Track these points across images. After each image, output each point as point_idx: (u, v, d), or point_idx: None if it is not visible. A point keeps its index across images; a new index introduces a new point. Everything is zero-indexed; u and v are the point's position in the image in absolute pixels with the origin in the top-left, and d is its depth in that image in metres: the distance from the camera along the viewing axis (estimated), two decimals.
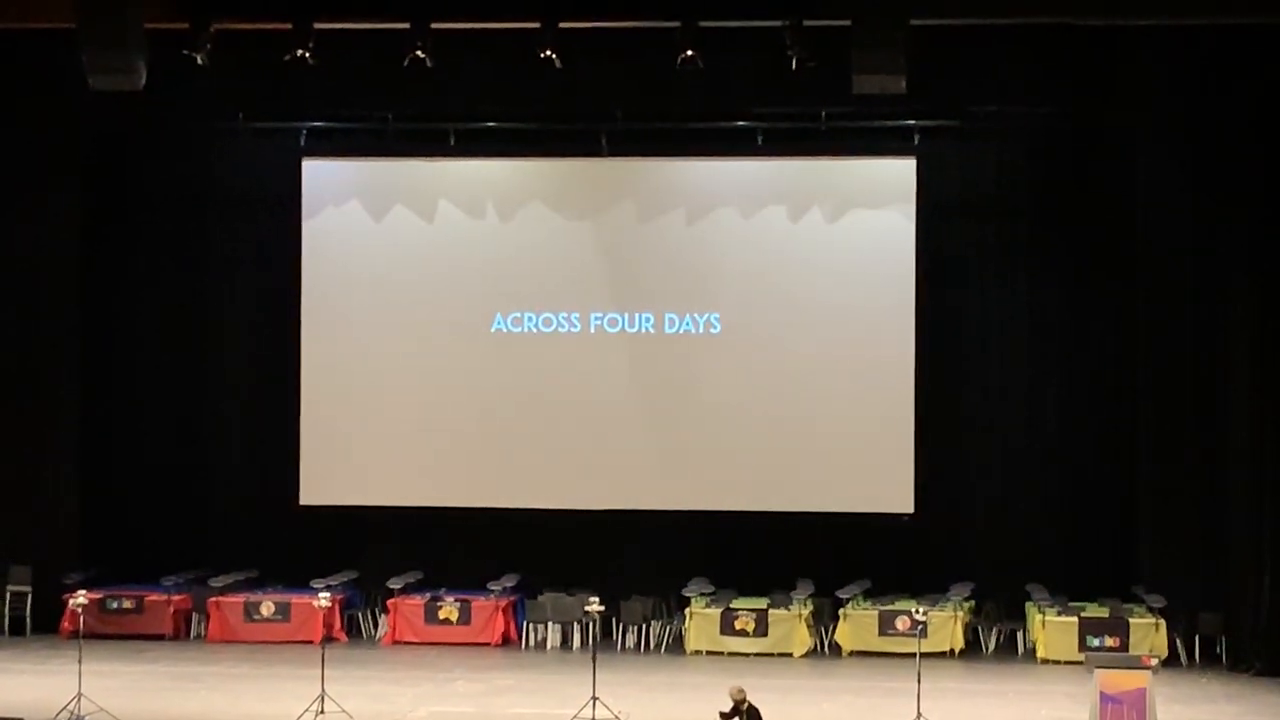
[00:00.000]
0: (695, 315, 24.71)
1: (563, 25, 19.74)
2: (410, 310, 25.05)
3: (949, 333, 24.44)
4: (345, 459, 25.02)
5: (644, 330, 24.79)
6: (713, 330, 24.68)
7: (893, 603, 23.32)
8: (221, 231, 25.50)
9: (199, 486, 25.54)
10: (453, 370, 25.08)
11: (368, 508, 24.88)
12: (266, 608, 23.95)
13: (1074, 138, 24.21)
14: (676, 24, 19.68)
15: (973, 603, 23.75)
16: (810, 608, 23.49)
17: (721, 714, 16.93)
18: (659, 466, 24.66)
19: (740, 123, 24.07)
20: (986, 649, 23.60)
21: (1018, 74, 23.00)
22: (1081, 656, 20.97)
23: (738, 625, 23.24)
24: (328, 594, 21.19)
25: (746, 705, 16.79)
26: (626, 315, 24.81)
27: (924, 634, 18.90)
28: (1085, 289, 24.43)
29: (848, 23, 18.38)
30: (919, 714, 17.78)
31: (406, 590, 24.29)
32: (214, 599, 24.12)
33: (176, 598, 24.39)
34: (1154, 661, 17.73)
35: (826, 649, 23.54)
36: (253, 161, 25.22)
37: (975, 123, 23.79)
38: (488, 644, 23.70)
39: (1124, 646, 22.22)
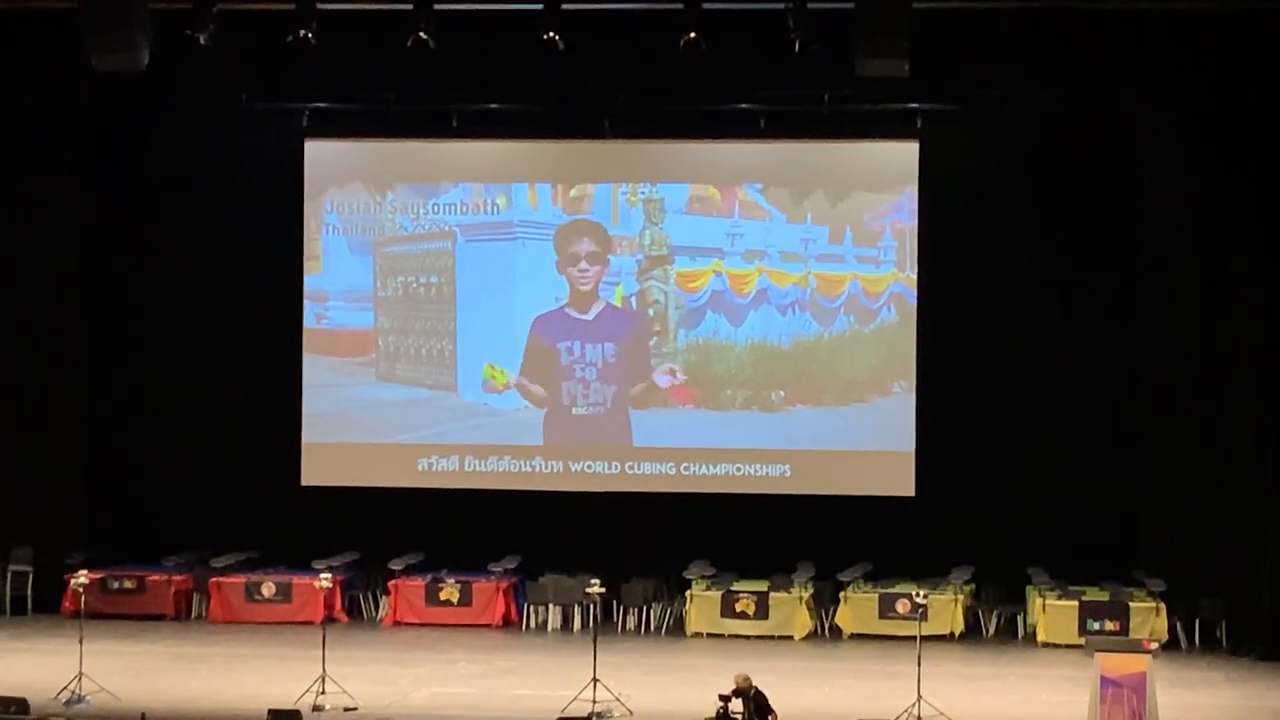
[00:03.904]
0: (693, 297, 24.72)
1: (566, 7, 19.75)
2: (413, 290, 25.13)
3: (951, 316, 24.41)
4: (347, 439, 25.02)
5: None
6: (714, 311, 24.72)
7: (893, 585, 23.34)
8: (224, 212, 25.44)
9: (201, 466, 25.52)
10: (455, 349, 25.16)
11: (369, 488, 24.88)
12: (267, 588, 23.97)
13: (1077, 121, 24.13)
14: (680, 6, 19.69)
15: (973, 586, 23.77)
16: (811, 590, 23.52)
17: (720, 696, 16.95)
18: (660, 448, 24.67)
19: (743, 105, 24.04)
20: (987, 632, 23.62)
21: (1021, 57, 22.98)
22: (1081, 640, 21.01)
23: (738, 608, 23.27)
24: (329, 575, 21.22)
25: (753, 691, 16.82)
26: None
27: (924, 617, 18.92)
28: (1088, 273, 24.39)
29: (851, 6, 18.38)
30: (919, 697, 17.80)
31: (408, 571, 24.31)
32: (215, 579, 24.15)
33: (178, 578, 24.42)
34: (1154, 645, 17.77)
35: (827, 631, 23.56)
36: (255, 142, 25.13)
37: (978, 106, 23.75)
38: (488, 625, 23.73)
39: (1124, 630, 22.24)
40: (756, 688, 16.85)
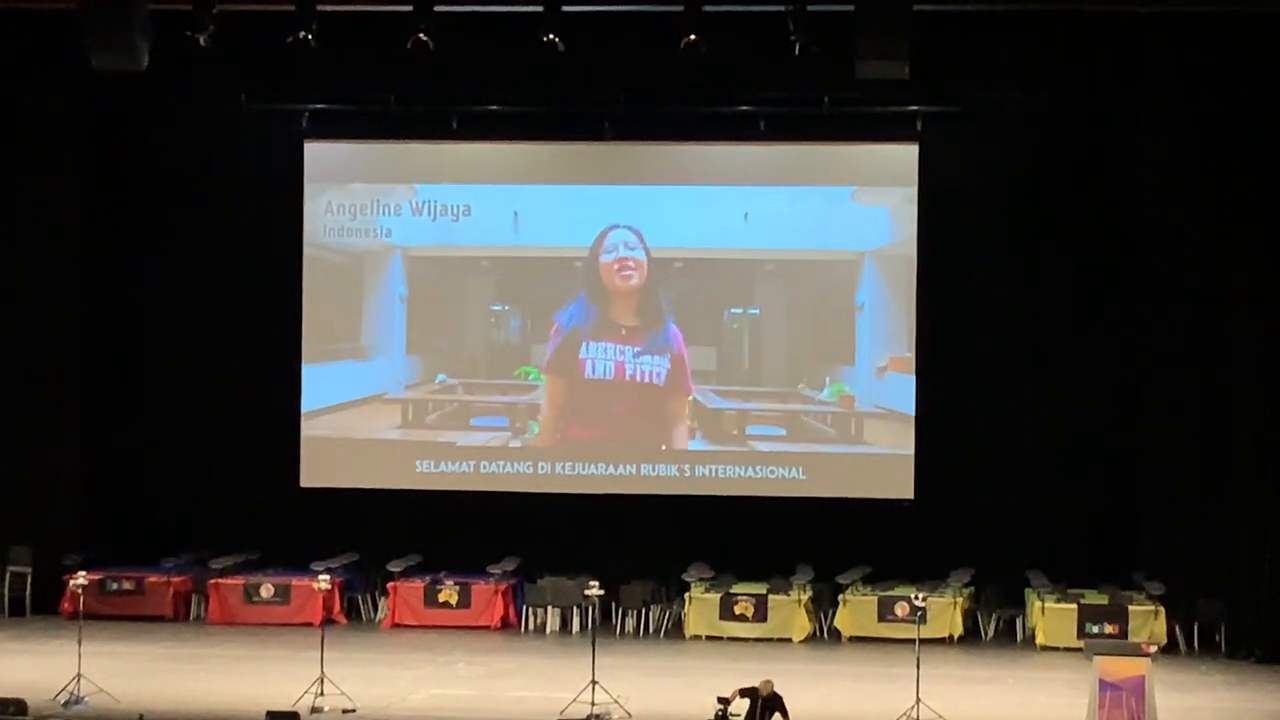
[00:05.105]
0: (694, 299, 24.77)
1: (566, 8, 19.73)
2: (412, 291, 25.11)
3: (950, 318, 24.40)
4: (346, 441, 25.01)
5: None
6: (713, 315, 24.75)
7: (892, 588, 23.33)
8: (223, 213, 25.42)
9: (200, 467, 25.51)
10: (452, 350, 25.14)
11: (368, 490, 24.87)
12: (266, 590, 23.96)
13: (1077, 124, 24.15)
14: (680, 8, 19.68)
15: (972, 589, 23.77)
16: (810, 593, 23.51)
17: (720, 699, 16.94)
18: (660, 451, 24.67)
19: (743, 107, 24.03)
20: (985, 635, 23.62)
21: (1021, 60, 22.97)
22: (1080, 643, 20.94)
23: (737, 610, 23.26)
24: (327, 576, 21.20)
25: (766, 695, 16.83)
26: None
27: (923, 620, 18.92)
28: (1088, 275, 24.41)
29: (851, 8, 18.38)
30: (918, 700, 17.80)
31: (406, 573, 24.30)
32: (213, 581, 24.14)
33: (176, 579, 24.42)
34: (1153, 648, 17.73)
35: (826, 634, 23.56)
36: (255, 143, 25.13)
37: (978, 109, 23.73)
38: (487, 627, 23.72)
39: (1123, 633, 22.23)
40: (777, 694, 16.89)
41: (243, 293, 25.53)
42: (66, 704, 18.20)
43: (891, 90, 21.04)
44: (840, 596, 23.42)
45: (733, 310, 24.83)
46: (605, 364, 24.70)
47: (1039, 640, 22.78)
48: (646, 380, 24.64)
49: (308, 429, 25.04)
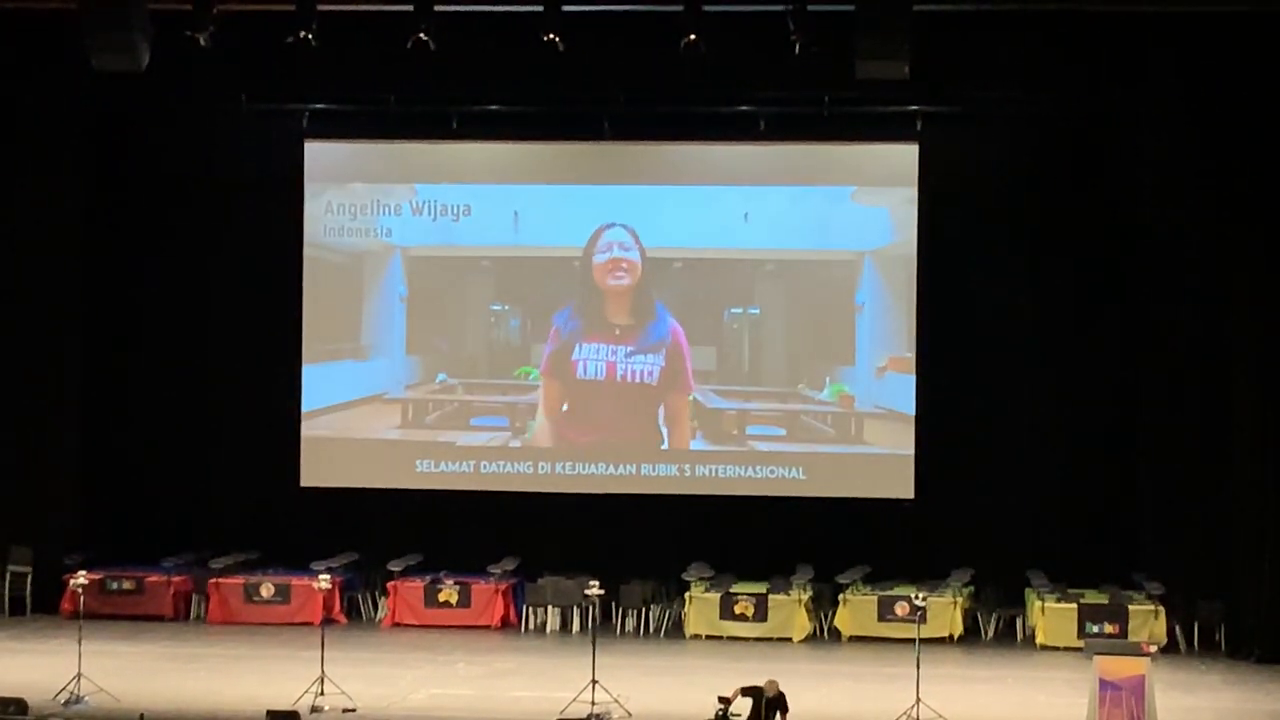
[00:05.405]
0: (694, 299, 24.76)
1: (566, 8, 19.74)
2: (412, 291, 25.11)
3: (950, 318, 24.39)
4: (346, 441, 25.01)
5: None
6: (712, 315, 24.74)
7: (892, 588, 23.34)
8: (223, 213, 25.42)
9: (200, 467, 25.51)
10: (453, 350, 25.14)
11: (369, 489, 24.87)
12: (266, 589, 23.96)
13: (1077, 124, 24.16)
14: (680, 8, 19.69)
15: (972, 588, 23.76)
16: (810, 593, 23.51)
17: (720, 698, 16.94)
18: (659, 451, 24.66)
19: (743, 107, 24.03)
20: (985, 635, 23.61)
21: (1021, 60, 22.96)
22: (1080, 643, 20.97)
23: (737, 610, 23.26)
24: (328, 576, 21.21)
25: (771, 695, 16.83)
26: None
27: (923, 619, 18.93)
28: (1087, 275, 24.41)
29: (851, 8, 18.39)
30: (918, 699, 17.80)
31: (406, 572, 24.30)
32: (214, 580, 24.13)
33: (177, 579, 24.41)
34: (1153, 648, 17.75)
35: (826, 634, 23.56)
36: (255, 143, 25.12)
37: (978, 109, 23.74)
38: (487, 627, 23.72)
39: (1123, 633, 22.24)
40: (782, 693, 16.90)
41: (243, 293, 25.53)
42: (66, 704, 18.21)
43: (891, 90, 21.05)
44: (840, 596, 23.43)
45: (733, 310, 24.84)
46: (597, 364, 24.70)
47: (1039, 640, 22.78)
48: (638, 380, 24.64)
49: (308, 429, 25.04)
